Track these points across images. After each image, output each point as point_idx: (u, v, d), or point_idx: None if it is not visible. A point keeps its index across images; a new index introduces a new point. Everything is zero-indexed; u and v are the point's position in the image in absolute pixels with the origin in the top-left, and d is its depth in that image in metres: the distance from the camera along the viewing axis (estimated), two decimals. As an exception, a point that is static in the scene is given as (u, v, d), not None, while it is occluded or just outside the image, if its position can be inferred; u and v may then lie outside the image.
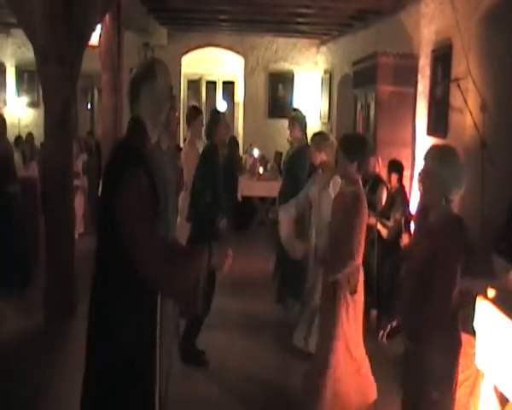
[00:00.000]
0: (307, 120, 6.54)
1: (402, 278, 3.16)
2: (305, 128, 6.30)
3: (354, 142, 3.87)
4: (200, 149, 5.59)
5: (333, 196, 4.40)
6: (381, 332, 3.04)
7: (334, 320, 3.70)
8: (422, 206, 3.01)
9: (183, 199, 6.11)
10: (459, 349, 2.72)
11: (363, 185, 6.32)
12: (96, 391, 2.44)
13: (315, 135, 5.47)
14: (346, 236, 3.64)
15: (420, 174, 2.84)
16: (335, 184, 4.64)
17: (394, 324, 3.01)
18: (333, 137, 7.72)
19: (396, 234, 5.89)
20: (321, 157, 5.06)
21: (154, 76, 2.38)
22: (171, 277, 2.30)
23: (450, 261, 2.70)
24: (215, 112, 5.34)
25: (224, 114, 5.46)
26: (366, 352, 3.95)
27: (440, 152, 2.84)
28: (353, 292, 3.71)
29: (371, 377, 3.92)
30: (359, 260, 3.74)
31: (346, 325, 3.71)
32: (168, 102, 2.45)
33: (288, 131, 6.29)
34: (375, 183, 6.21)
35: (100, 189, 2.47)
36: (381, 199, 6.09)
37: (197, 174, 5.09)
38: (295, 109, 7.59)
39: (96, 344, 2.44)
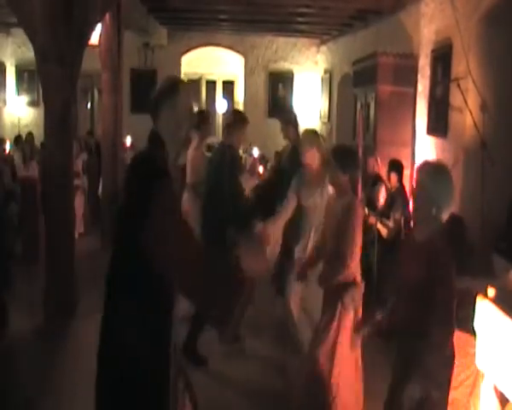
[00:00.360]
0: (307, 119, 6.49)
1: (396, 291, 3.06)
2: (297, 126, 6.11)
3: (347, 154, 3.81)
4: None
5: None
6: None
7: (334, 327, 3.65)
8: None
9: (187, 201, 6.01)
10: (454, 349, 2.76)
11: (364, 186, 6.39)
12: (111, 396, 2.42)
13: (305, 132, 5.20)
14: (341, 249, 3.60)
15: (412, 190, 2.88)
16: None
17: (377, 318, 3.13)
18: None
19: (396, 234, 5.89)
20: (311, 156, 4.76)
21: (175, 95, 2.43)
22: (202, 286, 2.35)
23: (449, 276, 2.69)
24: (237, 113, 5.23)
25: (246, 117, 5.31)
26: (367, 351, 3.94)
27: (434, 169, 2.85)
28: (356, 310, 3.70)
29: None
30: (358, 275, 3.73)
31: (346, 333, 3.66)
32: (188, 121, 2.49)
33: (283, 134, 6.12)
34: (374, 182, 6.22)
35: (121, 201, 2.49)
36: (378, 196, 6.09)
37: (216, 179, 4.98)
38: (286, 111, 7.33)
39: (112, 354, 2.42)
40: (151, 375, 2.38)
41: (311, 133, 5.08)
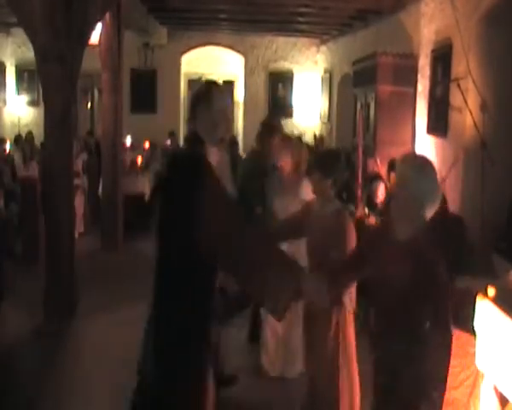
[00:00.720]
0: (307, 119, 6.48)
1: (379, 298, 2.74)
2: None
3: (327, 158, 3.62)
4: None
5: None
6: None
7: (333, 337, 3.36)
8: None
9: None
10: (451, 346, 2.71)
11: (363, 186, 6.38)
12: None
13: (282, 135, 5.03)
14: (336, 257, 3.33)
15: (392, 187, 2.70)
16: (306, 190, 4.16)
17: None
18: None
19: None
20: (284, 158, 4.53)
21: (210, 98, 2.56)
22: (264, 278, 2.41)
23: (440, 274, 2.49)
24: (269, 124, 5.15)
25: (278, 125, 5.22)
26: (367, 351, 3.92)
27: (417, 164, 2.57)
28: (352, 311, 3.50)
29: None
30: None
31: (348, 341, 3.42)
32: (223, 123, 2.59)
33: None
34: (373, 179, 6.22)
35: (162, 202, 2.56)
36: (377, 192, 6.07)
37: (245, 185, 4.94)
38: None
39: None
40: (192, 374, 2.47)
41: (288, 135, 4.93)
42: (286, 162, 4.49)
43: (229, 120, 2.68)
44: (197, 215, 2.35)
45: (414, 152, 3.15)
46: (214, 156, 2.59)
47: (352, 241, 3.35)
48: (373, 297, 2.76)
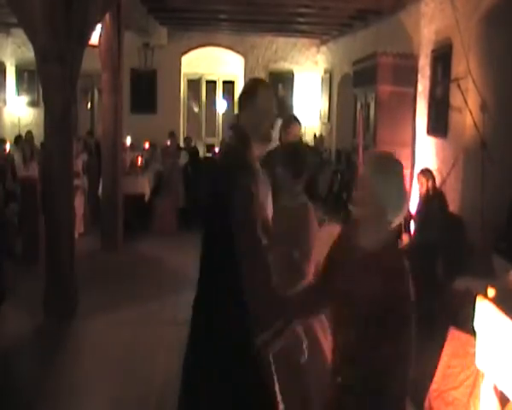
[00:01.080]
0: (307, 119, 6.44)
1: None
2: None
3: (288, 152, 3.55)
4: None
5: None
6: None
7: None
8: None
9: None
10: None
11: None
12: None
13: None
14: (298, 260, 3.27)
15: (357, 183, 2.30)
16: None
17: None
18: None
19: (396, 234, 5.89)
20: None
21: (255, 94, 2.70)
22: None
23: (409, 298, 2.13)
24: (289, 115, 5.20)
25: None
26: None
27: (382, 162, 2.27)
28: None
29: None
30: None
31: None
32: (268, 118, 2.72)
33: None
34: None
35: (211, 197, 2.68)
36: None
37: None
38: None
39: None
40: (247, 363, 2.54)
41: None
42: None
43: (273, 117, 2.77)
44: (230, 209, 2.47)
45: (381, 151, 2.92)
46: (257, 151, 2.71)
47: (313, 236, 3.30)
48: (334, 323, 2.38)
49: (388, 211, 2.17)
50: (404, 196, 2.22)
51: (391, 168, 2.23)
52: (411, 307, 2.13)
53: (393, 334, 2.10)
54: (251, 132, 2.68)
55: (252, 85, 2.79)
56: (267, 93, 2.75)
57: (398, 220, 2.23)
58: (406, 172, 6.73)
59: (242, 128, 2.70)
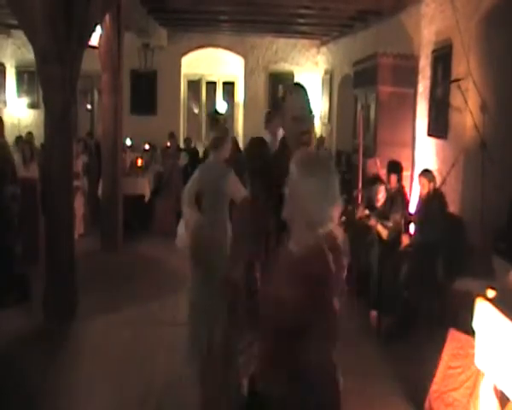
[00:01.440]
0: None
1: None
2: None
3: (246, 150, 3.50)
4: None
5: None
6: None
7: None
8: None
9: None
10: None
11: (363, 187, 6.38)
12: None
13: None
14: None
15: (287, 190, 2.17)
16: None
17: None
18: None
19: (396, 235, 5.88)
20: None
21: (285, 98, 3.06)
22: None
23: (329, 306, 2.02)
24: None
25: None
26: (367, 352, 3.92)
27: (308, 160, 2.15)
28: None
29: None
30: None
31: None
32: (295, 123, 2.95)
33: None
34: (373, 181, 6.22)
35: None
36: (378, 195, 6.07)
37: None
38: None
39: None
40: None
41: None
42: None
43: (300, 122, 3.00)
44: None
45: (313, 151, 2.74)
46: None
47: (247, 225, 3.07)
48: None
49: (312, 214, 2.04)
50: (329, 199, 2.06)
51: (314, 170, 2.09)
52: (333, 319, 2.02)
53: (314, 346, 1.99)
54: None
55: (283, 93, 3.23)
56: (294, 101, 3.07)
57: (326, 225, 2.06)
58: (406, 173, 6.81)
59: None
